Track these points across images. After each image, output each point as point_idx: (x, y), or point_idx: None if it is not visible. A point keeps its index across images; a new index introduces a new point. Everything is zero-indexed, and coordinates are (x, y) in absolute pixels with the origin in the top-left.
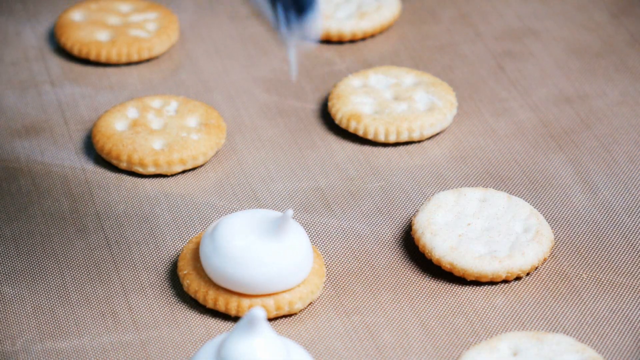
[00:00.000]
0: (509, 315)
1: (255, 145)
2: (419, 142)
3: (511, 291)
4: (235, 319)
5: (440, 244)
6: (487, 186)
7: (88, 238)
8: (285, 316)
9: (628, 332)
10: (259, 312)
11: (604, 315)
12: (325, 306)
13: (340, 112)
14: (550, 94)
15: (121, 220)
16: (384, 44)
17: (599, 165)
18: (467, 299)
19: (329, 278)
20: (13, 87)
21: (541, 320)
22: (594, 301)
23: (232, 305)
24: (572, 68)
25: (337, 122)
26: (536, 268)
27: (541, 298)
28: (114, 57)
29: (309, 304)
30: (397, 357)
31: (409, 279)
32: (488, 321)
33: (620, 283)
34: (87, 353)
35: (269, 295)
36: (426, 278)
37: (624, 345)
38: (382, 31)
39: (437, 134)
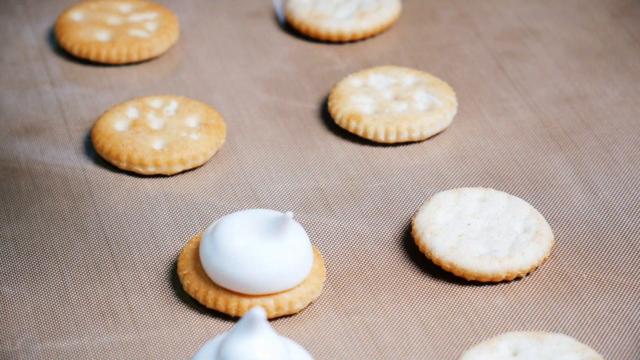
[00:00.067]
0: (509, 315)
1: (255, 145)
2: (419, 142)
3: (511, 291)
4: (235, 319)
5: (440, 244)
6: (487, 186)
7: (88, 238)
8: (285, 316)
9: (628, 332)
10: (259, 312)
11: (604, 315)
12: (325, 306)
13: (340, 112)
14: (550, 94)
15: (121, 220)
16: (384, 44)
17: (599, 165)
18: (467, 299)
19: (329, 278)
20: (13, 87)
21: (541, 320)
22: (594, 301)
23: (232, 305)
24: (572, 68)
25: (337, 122)
26: (536, 268)
27: (541, 298)
28: (114, 57)
29: (309, 304)
30: (397, 357)
31: (409, 279)
32: (488, 321)
33: (620, 283)
34: (87, 353)
35: (269, 295)
36: (426, 278)
37: (624, 345)
38: (382, 31)
39: (437, 134)
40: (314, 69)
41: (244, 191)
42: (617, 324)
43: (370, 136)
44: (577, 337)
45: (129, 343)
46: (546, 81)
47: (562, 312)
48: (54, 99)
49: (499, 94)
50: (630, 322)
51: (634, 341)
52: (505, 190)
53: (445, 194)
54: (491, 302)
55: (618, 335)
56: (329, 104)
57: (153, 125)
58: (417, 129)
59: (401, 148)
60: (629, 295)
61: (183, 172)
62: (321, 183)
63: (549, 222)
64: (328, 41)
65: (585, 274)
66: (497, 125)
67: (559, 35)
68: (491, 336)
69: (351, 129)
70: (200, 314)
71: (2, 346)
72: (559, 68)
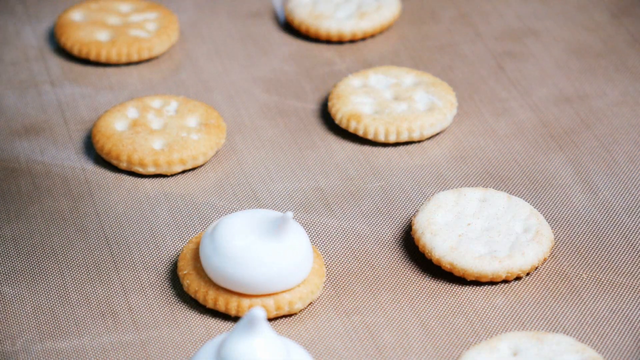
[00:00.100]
0: (509, 315)
1: (255, 145)
2: (419, 142)
3: (511, 291)
4: (235, 319)
5: (440, 244)
6: (487, 186)
7: (88, 238)
8: (285, 316)
9: (628, 332)
10: (259, 312)
11: (604, 315)
12: (325, 306)
13: (340, 112)
14: (550, 94)
15: (121, 220)
16: (384, 44)
17: (599, 165)
18: (467, 299)
19: (329, 278)
20: (13, 87)
21: (541, 320)
22: (594, 301)
23: (232, 305)
24: (572, 68)
25: (337, 122)
26: (536, 268)
27: (541, 298)
28: (114, 57)
29: (309, 304)
30: (397, 357)
31: (409, 279)
32: (488, 321)
33: (620, 283)
34: (87, 353)
35: (269, 295)
36: (426, 278)
37: (624, 345)
38: (382, 31)
39: (437, 134)
40: (314, 69)
41: (244, 191)
42: (617, 324)
43: (370, 136)
44: (577, 337)
45: (129, 343)
46: (546, 81)
47: (562, 312)
48: (54, 99)
49: (499, 94)
50: (630, 322)
51: (634, 341)
52: (505, 190)
53: (445, 194)
54: (491, 302)
55: (618, 335)
56: (329, 104)
57: (153, 125)
58: (417, 129)
59: (401, 148)
60: (629, 295)
61: (183, 172)
62: (321, 183)
63: (549, 222)
64: (328, 41)
65: (585, 274)
66: (497, 125)
67: (559, 35)
68: (491, 336)
69: (351, 129)
70: (200, 314)
71: (2, 346)
72: (559, 68)
